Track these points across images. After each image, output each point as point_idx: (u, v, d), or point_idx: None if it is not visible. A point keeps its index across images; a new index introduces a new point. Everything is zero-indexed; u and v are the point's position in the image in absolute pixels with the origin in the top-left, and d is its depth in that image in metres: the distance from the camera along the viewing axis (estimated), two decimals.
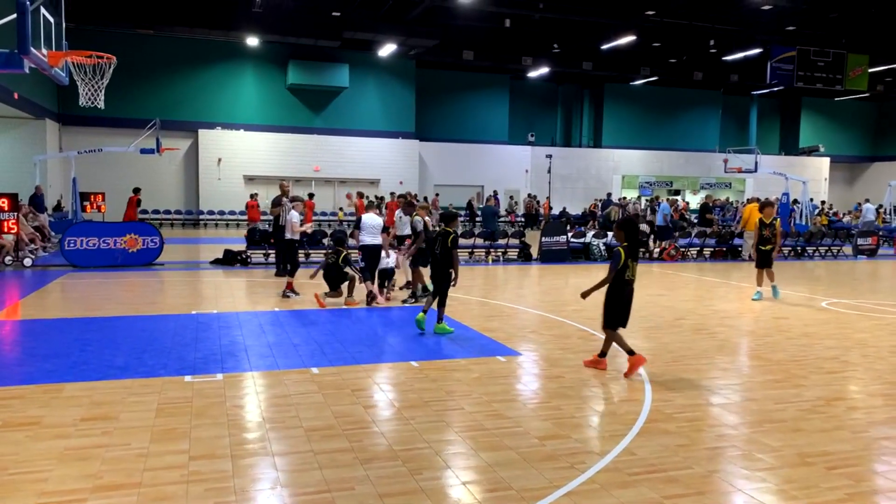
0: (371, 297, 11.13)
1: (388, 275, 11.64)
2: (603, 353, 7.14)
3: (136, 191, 24.01)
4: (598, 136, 41.66)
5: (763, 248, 12.06)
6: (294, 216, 12.12)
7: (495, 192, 33.43)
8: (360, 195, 25.43)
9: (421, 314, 8.77)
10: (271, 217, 15.59)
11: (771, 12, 27.95)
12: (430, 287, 9.75)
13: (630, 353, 6.87)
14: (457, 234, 8.94)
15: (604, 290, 6.98)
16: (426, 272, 10.77)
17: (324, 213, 32.95)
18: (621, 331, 7.00)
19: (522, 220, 35.59)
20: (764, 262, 12.10)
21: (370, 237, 11.32)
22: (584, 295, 7.11)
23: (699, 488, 4.27)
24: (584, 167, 39.72)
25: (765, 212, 12.39)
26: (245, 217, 29.43)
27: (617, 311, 6.93)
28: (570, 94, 42.36)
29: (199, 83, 32.17)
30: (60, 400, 5.75)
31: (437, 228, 10.06)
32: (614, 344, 7.03)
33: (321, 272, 11.25)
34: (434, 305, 8.84)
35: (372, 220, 11.43)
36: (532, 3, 26.29)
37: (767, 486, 4.33)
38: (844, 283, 14.77)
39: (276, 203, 14.34)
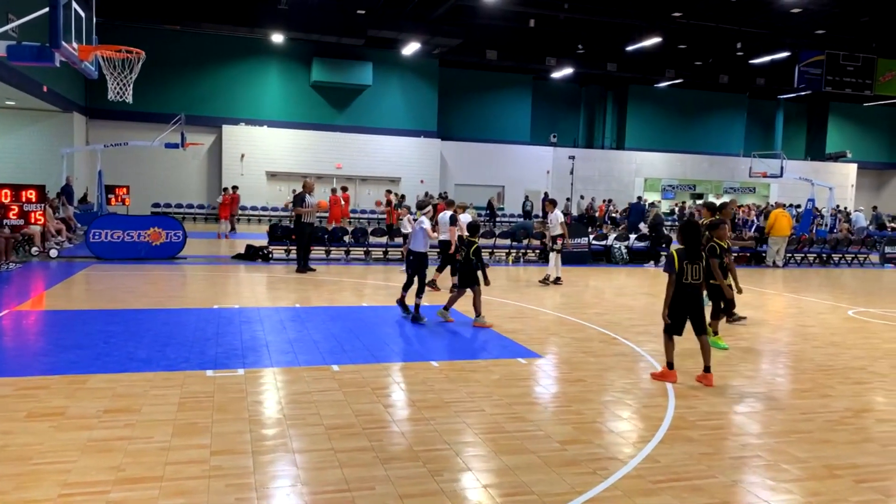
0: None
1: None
2: (669, 364, 6.77)
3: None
4: (620, 138, 41.37)
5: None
6: (424, 222, 9.90)
7: (546, 195, 33.19)
8: (390, 192, 25.25)
9: (716, 338, 8.42)
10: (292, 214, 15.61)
11: (800, 15, 27.57)
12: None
13: (669, 365, 6.74)
14: (720, 245, 8.35)
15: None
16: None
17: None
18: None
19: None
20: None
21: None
22: (665, 316, 6.68)
23: (724, 498, 4.20)
24: (605, 169, 39.46)
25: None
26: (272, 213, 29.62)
27: (672, 317, 6.63)
28: (593, 96, 42.11)
29: (223, 79, 32.41)
30: (84, 391, 5.80)
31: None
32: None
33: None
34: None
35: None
36: (557, 4, 26.17)
37: (794, 497, 4.25)
38: (872, 292, 14.51)
39: (300, 201, 14.36)
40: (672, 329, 6.70)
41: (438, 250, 13.03)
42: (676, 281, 6.57)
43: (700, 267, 6.65)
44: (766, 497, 4.25)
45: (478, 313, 9.30)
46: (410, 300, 9.65)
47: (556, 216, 14.04)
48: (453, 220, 12.21)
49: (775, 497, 4.25)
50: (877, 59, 30.84)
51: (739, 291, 8.82)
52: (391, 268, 15.82)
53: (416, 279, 9.57)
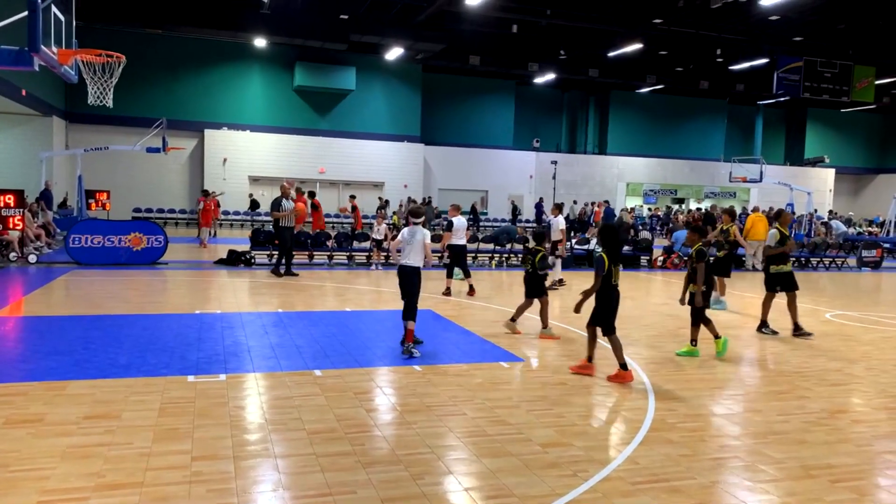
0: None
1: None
2: (622, 366, 6.92)
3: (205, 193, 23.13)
4: (602, 143, 41.68)
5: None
6: (427, 235, 8.17)
7: (541, 200, 33.40)
8: (354, 198, 25.04)
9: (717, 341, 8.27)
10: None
11: (778, 23, 27.96)
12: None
13: (622, 366, 6.90)
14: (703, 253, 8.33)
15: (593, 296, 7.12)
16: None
17: (327, 216, 32.95)
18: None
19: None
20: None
21: (457, 238, 12.87)
22: (577, 309, 7.20)
23: (702, 499, 4.26)
24: (588, 174, 39.73)
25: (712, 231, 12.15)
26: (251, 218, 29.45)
27: (607, 317, 7.01)
28: (575, 101, 42.40)
29: (205, 83, 32.26)
30: (63, 397, 5.75)
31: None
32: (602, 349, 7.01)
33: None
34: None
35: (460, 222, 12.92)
36: (539, 10, 26.33)
37: (771, 498, 4.32)
38: (848, 295, 14.73)
39: (276, 205, 14.32)
40: (604, 326, 6.97)
41: (444, 255, 13.59)
42: (606, 282, 6.89)
43: (618, 269, 6.99)
44: (744, 497, 4.31)
45: (545, 325, 9.07)
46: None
47: (559, 221, 14.26)
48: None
49: (753, 497, 4.31)
50: (853, 66, 31.28)
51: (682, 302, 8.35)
52: (372, 272, 15.82)
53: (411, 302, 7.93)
